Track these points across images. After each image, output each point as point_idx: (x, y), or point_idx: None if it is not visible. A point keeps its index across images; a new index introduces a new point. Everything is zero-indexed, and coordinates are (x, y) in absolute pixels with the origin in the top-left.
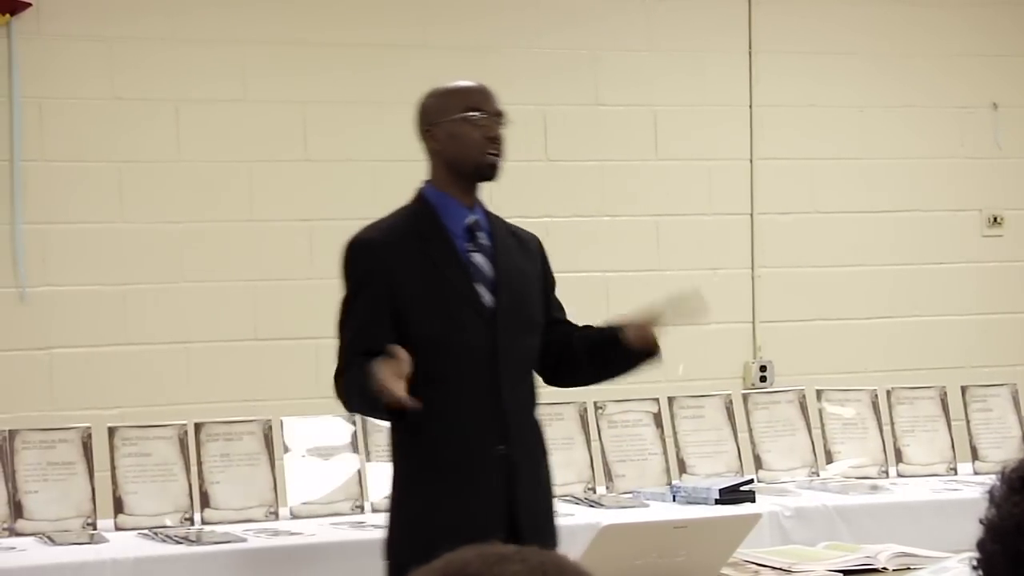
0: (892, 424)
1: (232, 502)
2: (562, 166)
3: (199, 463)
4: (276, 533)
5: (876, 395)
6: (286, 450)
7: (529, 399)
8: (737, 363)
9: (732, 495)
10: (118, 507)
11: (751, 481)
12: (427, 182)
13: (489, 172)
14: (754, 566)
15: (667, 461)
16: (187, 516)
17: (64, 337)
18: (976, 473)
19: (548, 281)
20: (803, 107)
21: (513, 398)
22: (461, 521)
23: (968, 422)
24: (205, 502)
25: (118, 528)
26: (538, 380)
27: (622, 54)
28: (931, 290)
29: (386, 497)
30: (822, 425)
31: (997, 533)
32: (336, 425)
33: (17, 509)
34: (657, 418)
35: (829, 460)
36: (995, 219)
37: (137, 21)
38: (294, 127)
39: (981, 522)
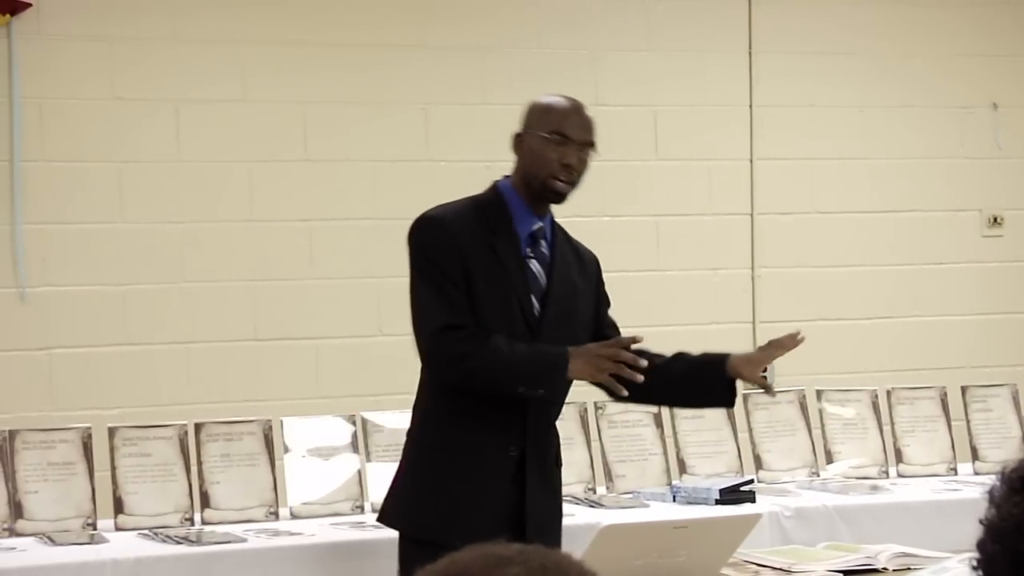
0: (892, 424)
1: (232, 502)
2: None
3: (199, 463)
4: (276, 533)
5: (876, 395)
6: (286, 450)
7: (553, 410)
8: None
9: (732, 495)
10: (118, 507)
11: (751, 481)
12: (506, 178)
13: (553, 196)
14: (754, 566)
15: (667, 461)
16: (187, 516)
17: (64, 337)
18: (976, 473)
19: (601, 299)
20: (803, 107)
21: (537, 406)
22: (466, 505)
23: (968, 422)
24: (205, 502)
25: (118, 528)
26: (583, 391)
27: (622, 54)
28: (931, 290)
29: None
30: (822, 425)
31: (997, 533)
32: (336, 425)
33: (17, 509)
34: (657, 418)
35: (829, 460)
36: (995, 219)
37: (137, 21)
38: (294, 127)
39: (981, 522)
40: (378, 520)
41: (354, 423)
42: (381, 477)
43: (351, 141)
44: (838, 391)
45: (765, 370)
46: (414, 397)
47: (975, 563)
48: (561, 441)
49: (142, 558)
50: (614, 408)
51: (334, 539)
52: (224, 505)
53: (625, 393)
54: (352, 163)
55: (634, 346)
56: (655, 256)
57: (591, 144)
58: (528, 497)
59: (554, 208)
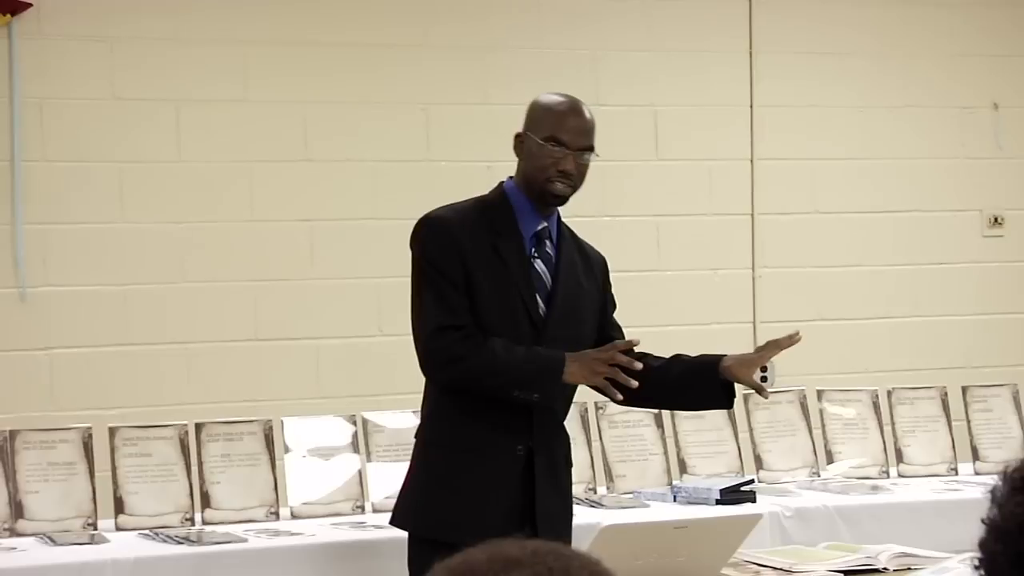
0: (893, 424)
1: (232, 502)
2: None
3: (200, 463)
4: (276, 533)
5: (876, 395)
6: (286, 450)
7: (561, 409)
8: None
9: (733, 495)
10: (119, 507)
11: (752, 481)
12: (511, 179)
13: (551, 199)
14: (755, 566)
15: (668, 461)
16: (188, 516)
17: (64, 337)
18: (977, 473)
19: (607, 300)
20: (804, 107)
21: (544, 406)
22: (474, 504)
23: (969, 422)
24: (205, 502)
25: (119, 528)
26: (583, 391)
27: (622, 54)
28: (931, 290)
29: (387, 497)
30: (823, 425)
31: (999, 533)
32: (336, 425)
33: (18, 509)
34: (658, 418)
35: (830, 460)
36: (995, 219)
37: (137, 21)
38: (294, 127)
39: (983, 522)
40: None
41: (354, 423)
42: (381, 477)
43: (351, 141)
44: (838, 391)
45: (765, 369)
46: (415, 397)
47: (977, 563)
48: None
49: (142, 558)
50: (615, 408)
51: (334, 539)
52: (224, 505)
53: (620, 397)
54: (352, 163)
55: (634, 349)
56: (655, 256)
57: (589, 148)
58: (538, 496)
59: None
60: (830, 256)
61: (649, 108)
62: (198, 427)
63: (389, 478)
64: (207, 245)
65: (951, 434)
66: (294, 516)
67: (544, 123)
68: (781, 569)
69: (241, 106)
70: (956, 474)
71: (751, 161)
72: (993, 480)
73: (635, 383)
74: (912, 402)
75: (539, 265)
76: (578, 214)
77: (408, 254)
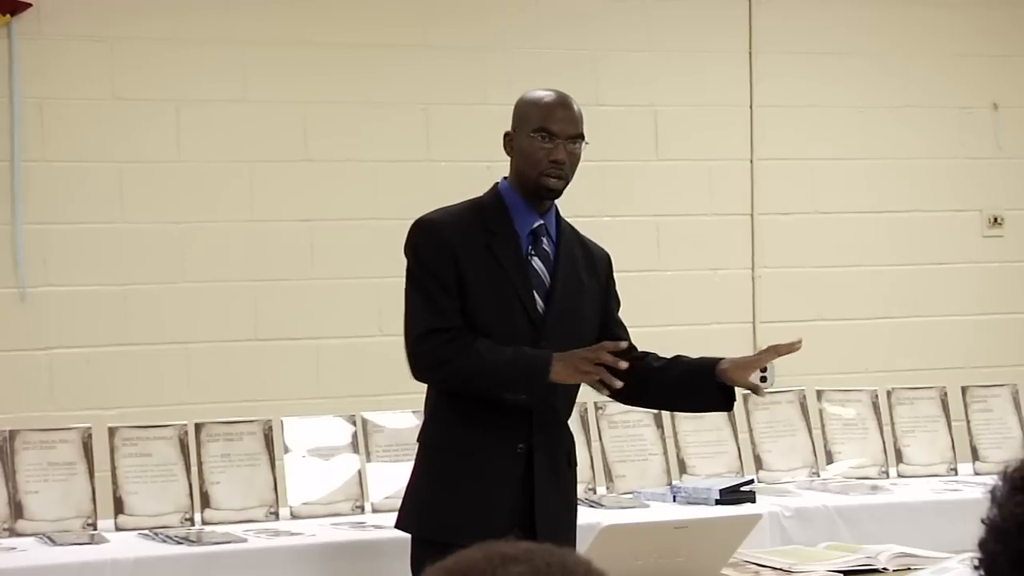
0: (892, 424)
1: (232, 502)
2: None
3: (199, 463)
4: (276, 533)
5: (876, 395)
6: (286, 450)
7: (562, 407)
8: None
9: (732, 495)
10: (118, 507)
11: (751, 481)
12: (505, 179)
13: (546, 193)
14: (754, 566)
15: (667, 461)
16: (187, 516)
17: (64, 337)
18: (976, 473)
19: (610, 298)
20: (803, 107)
21: (537, 406)
22: (475, 505)
23: (968, 422)
24: (205, 502)
25: (118, 528)
26: (583, 390)
27: (622, 54)
28: (931, 290)
29: (387, 497)
30: (822, 425)
31: (999, 533)
32: (336, 425)
33: (17, 509)
34: (657, 418)
35: (829, 460)
36: (995, 219)
37: (137, 21)
38: (294, 127)
39: (983, 522)
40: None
41: (354, 423)
42: (381, 477)
43: (351, 141)
44: (838, 391)
45: (764, 369)
46: (415, 397)
47: (977, 563)
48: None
49: (142, 558)
50: (615, 408)
51: (334, 539)
52: (224, 505)
53: (607, 393)
54: (352, 163)
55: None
56: (655, 256)
57: (578, 136)
58: (537, 496)
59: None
60: (830, 256)
61: (649, 108)
62: (198, 427)
63: (389, 478)
64: (207, 245)
65: (951, 434)
66: (294, 516)
67: (532, 117)
68: (781, 569)
69: (241, 106)
70: (956, 474)
71: (751, 161)
72: (993, 480)
73: (619, 383)
74: (912, 402)
75: (536, 263)
76: (578, 214)
77: None
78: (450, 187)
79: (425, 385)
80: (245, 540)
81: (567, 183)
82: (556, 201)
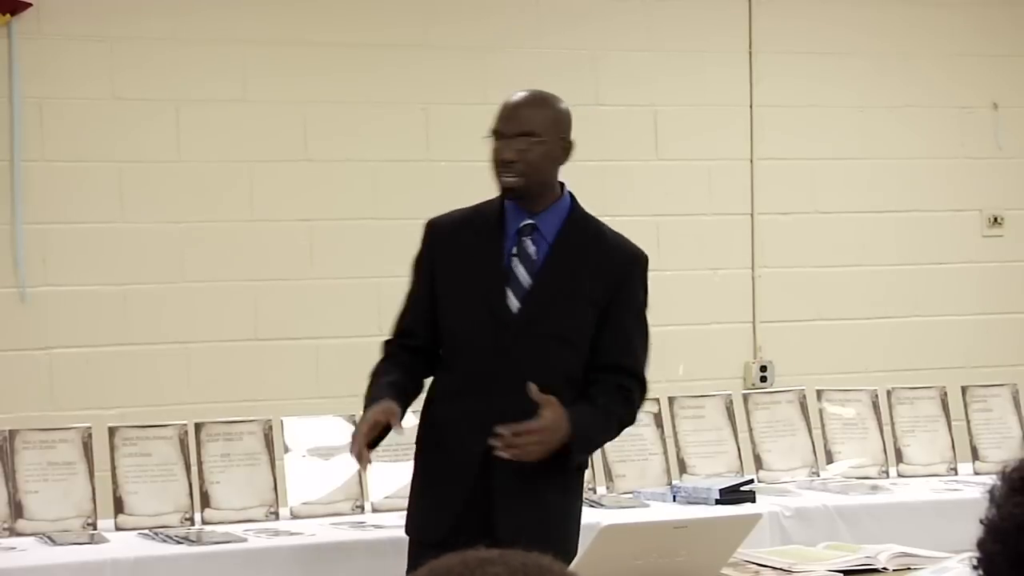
0: (892, 424)
1: (232, 502)
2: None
3: (199, 463)
4: (276, 533)
5: (876, 395)
6: (286, 450)
7: (528, 406)
8: (737, 363)
9: (732, 495)
10: (118, 507)
11: (751, 481)
12: None
13: (506, 193)
14: (754, 566)
15: (667, 461)
16: (187, 516)
17: (64, 337)
18: (976, 473)
19: (615, 304)
20: (803, 107)
21: (512, 404)
22: (435, 504)
23: (968, 422)
24: (205, 502)
25: (118, 528)
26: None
27: (622, 54)
28: (931, 290)
29: (387, 497)
30: (822, 425)
31: (998, 533)
32: (336, 425)
33: (17, 509)
34: (657, 418)
35: (829, 460)
36: (995, 219)
37: (137, 21)
38: (294, 127)
39: (982, 522)
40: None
41: (354, 423)
42: (381, 477)
43: (351, 141)
44: (838, 391)
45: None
46: None
47: (976, 563)
48: None
49: (142, 558)
50: None
51: (334, 539)
52: (224, 505)
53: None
54: (352, 163)
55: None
56: (655, 256)
57: (524, 134)
58: (496, 500)
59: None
60: (830, 256)
61: (649, 108)
62: (198, 427)
63: (389, 478)
64: (207, 245)
65: (951, 434)
66: (294, 516)
67: (492, 120)
68: (781, 569)
69: (241, 106)
70: (956, 474)
71: (751, 161)
72: (992, 480)
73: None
74: (912, 402)
75: (516, 263)
76: None
77: (410, 256)
78: (450, 187)
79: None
80: (245, 540)
81: (527, 180)
82: (576, 200)
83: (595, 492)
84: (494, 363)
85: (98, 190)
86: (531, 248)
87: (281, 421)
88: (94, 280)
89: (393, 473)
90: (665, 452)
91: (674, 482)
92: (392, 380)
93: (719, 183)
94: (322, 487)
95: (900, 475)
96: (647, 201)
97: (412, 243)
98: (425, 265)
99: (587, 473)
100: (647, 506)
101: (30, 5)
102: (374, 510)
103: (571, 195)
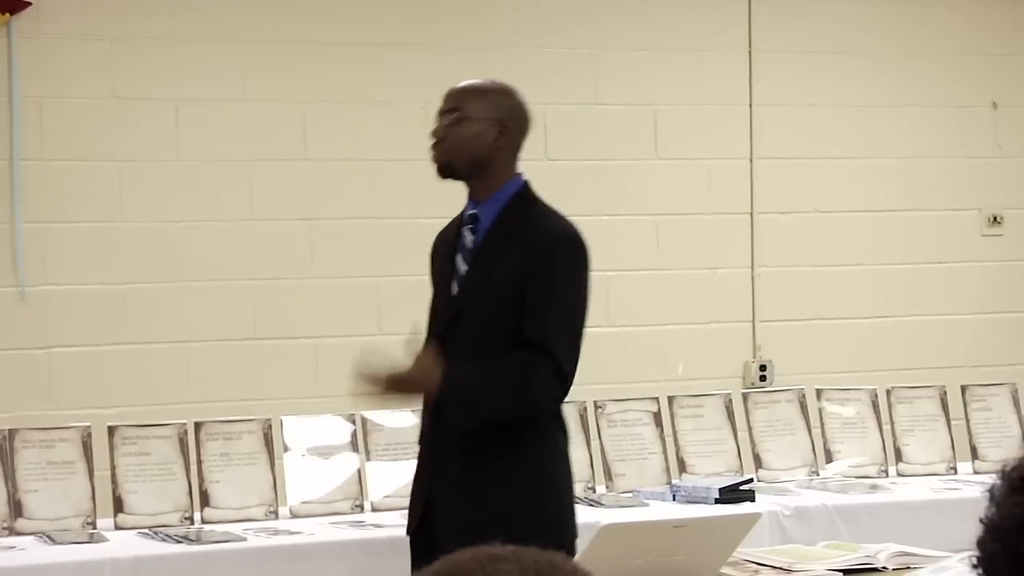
0: (892, 424)
1: (232, 501)
2: (562, 165)
3: (199, 462)
4: (276, 532)
5: (876, 395)
6: (286, 449)
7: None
8: (737, 363)
9: (732, 494)
10: (118, 506)
11: (751, 480)
12: None
13: (437, 171)
14: (754, 565)
15: (667, 460)
16: (187, 515)
17: (64, 337)
18: (976, 472)
19: (531, 282)
20: (803, 107)
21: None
22: (412, 495)
23: (968, 421)
24: (205, 501)
25: (118, 527)
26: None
27: (622, 54)
28: (931, 290)
29: (387, 496)
30: (822, 424)
31: (997, 532)
32: (336, 425)
33: (17, 508)
34: (657, 417)
35: (829, 459)
36: (995, 219)
37: (137, 21)
38: (294, 127)
39: (981, 521)
40: None
41: (354, 422)
42: (381, 476)
43: (351, 141)
44: (838, 390)
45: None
46: None
47: (975, 562)
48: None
49: (141, 557)
50: (614, 407)
51: (334, 539)
52: (224, 504)
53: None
54: (352, 163)
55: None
56: (655, 256)
57: (450, 110)
58: (433, 484)
59: (555, 204)
60: (829, 255)
61: (648, 107)
62: (197, 426)
63: (388, 477)
64: (206, 244)
65: (950, 433)
66: (293, 515)
67: None
68: (780, 568)
69: (240, 105)
70: (955, 473)
71: (750, 160)
72: (992, 479)
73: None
74: (911, 401)
75: (459, 256)
76: (578, 213)
77: (409, 255)
78: (449, 186)
79: None
80: (244, 539)
81: (450, 156)
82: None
83: (594, 491)
84: (442, 352)
85: (97, 189)
86: (468, 238)
87: (280, 420)
88: (93, 279)
89: (393, 473)
90: (664, 451)
91: (673, 481)
92: None
93: (718, 182)
94: (322, 486)
95: (899, 474)
96: (646, 200)
97: (412, 242)
98: (432, 274)
99: (587, 472)
100: (646, 505)
101: (29, 4)
102: (373, 509)
103: (525, 185)
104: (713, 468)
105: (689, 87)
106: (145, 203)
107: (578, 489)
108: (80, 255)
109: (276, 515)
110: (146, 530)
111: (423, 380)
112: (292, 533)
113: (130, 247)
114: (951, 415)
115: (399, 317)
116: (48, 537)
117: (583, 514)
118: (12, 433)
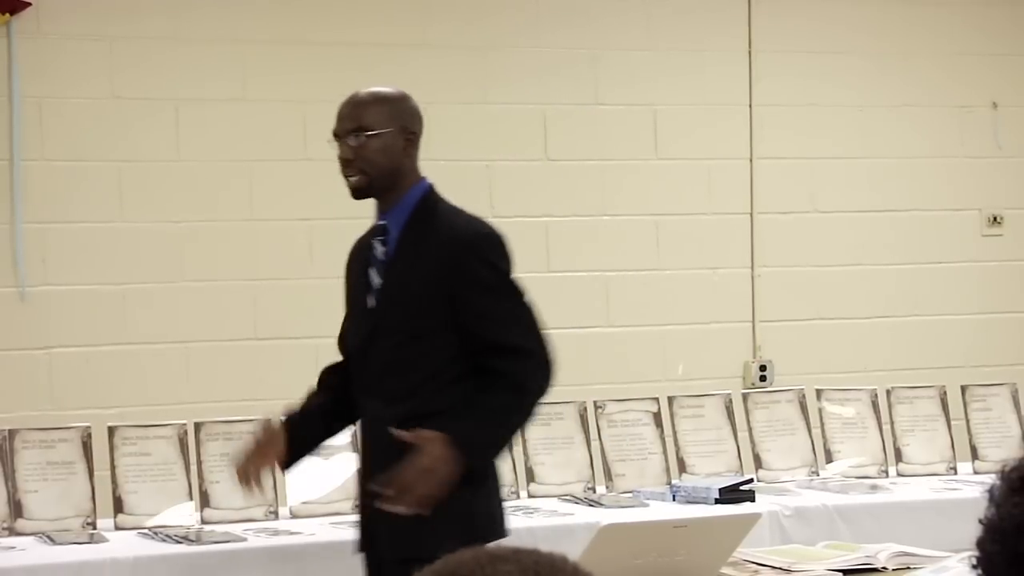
0: (892, 424)
1: (232, 502)
2: (562, 165)
3: (199, 463)
4: (276, 533)
5: (876, 395)
6: None
7: (396, 406)
8: (737, 363)
9: (732, 495)
10: (118, 507)
11: (751, 481)
12: None
13: (352, 194)
14: (754, 566)
15: (667, 460)
16: (187, 516)
17: (64, 337)
18: (976, 473)
19: (458, 288)
20: (803, 107)
21: (370, 403)
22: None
23: (968, 421)
24: (205, 501)
25: (118, 528)
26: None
27: (622, 54)
28: (931, 290)
29: None
30: (822, 425)
31: (997, 533)
32: None
33: (17, 509)
34: (657, 417)
35: (829, 460)
36: (995, 219)
37: (137, 21)
38: (294, 127)
39: (981, 522)
40: None
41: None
42: None
43: None
44: (838, 390)
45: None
46: None
47: (975, 562)
48: (561, 440)
49: (141, 557)
50: (613, 407)
51: (334, 539)
52: (224, 504)
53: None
54: None
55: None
56: (655, 256)
57: (353, 130)
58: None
59: (554, 207)
60: (829, 255)
61: (648, 107)
62: (197, 426)
63: None
64: (206, 244)
65: (950, 433)
66: (293, 515)
67: None
68: (780, 568)
69: (240, 105)
70: (955, 473)
71: (750, 160)
72: (991, 480)
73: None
74: (911, 401)
75: (371, 269)
76: (578, 214)
77: None
78: (449, 186)
79: None
80: (245, 539)
81: (369, 177)
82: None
83: (595, 491)
84: (361, 368)
85: (97, 189)
86: (379, 250)
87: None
88: (93, 279)
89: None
90: (664, 451)
91: (673, 481)
92: (310, 401)
93: (718, 182)
94: (322, 487)
95: (899, 474)
96: (646, 200)
97: None
98: (346, 291)
99: (587, 472)
100: (646, 505)
101: (29, 4)
102: None
103: (430, 188)
104: (713, 468)
105: (689, 87)
106: (145, 203)
107: (578, 489)
108: (80, 255)
109: (276, 515)
110: (146, 530)
111: (440, 467)
112: (292, 533)
113: (130, 247)
114: (951, 415)
115: None
116: (48, 537)
117: (583, 514)
118: (12, 433)
